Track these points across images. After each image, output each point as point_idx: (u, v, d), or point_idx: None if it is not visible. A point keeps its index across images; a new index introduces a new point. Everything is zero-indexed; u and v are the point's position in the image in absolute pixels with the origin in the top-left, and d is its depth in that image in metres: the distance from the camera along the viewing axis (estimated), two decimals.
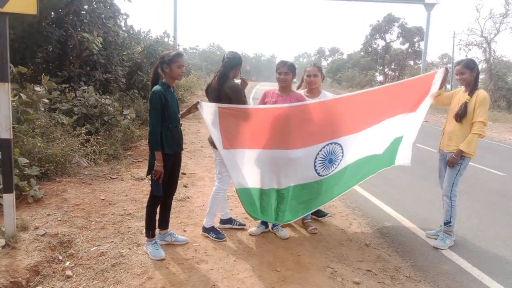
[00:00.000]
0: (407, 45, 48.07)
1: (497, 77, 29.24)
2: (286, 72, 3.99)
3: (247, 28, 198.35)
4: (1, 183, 3.96)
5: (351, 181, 4.55)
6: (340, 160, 4.18)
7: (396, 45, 49.74)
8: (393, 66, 50.81)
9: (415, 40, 46.93)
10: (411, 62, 48.98)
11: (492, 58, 30.61)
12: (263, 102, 4.16)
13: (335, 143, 4.06)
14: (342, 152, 4.14)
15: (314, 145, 3.96)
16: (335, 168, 4.19)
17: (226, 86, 3.85)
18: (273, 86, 4.20)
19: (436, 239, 4.38)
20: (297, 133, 3.91)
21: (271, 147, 3.89)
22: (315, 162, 4.01)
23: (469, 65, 4.15)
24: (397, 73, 48.29)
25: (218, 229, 4.16)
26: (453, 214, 4.24)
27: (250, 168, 3.94)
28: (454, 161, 4.14)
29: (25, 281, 3.24)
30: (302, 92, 4.32)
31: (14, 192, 3.75)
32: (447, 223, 4.28)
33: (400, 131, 4.60)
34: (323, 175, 4.13)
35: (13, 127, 3.90)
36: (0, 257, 3.44)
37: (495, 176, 8.28)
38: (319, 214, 4.81)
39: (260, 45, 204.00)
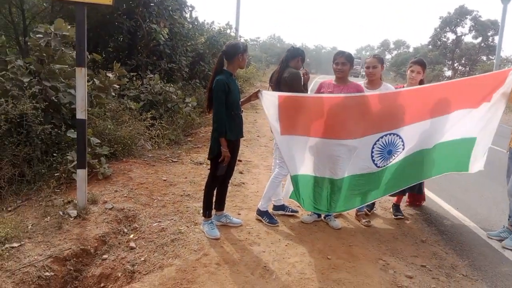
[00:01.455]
0: (480, 39, 44.70)
1: None
2: (343, 62, 3.97)
3: (308, 20, 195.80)
4: (76, 159, 4.35)
5: (414, 177, 4.38)
6: (400, 152, 4.07)
7: (468, 38, 46.43)
8: (463, 61, 47.55)
9: (489, 34, 43.49)
10: (484, 57, 45.45)
11: None
12: (319, 92, 4.16)
13: (394, 134, 3.96)
14: (403, 144, 4.03)
15: (371, 135, 3.90)
16: (394, 159, 4.10)
17: (286, 73, 3.93)
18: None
19: (499, 240, 4.16)
20: (354, 123, 3.87)
21: (328, 136, 3.89)
22: (372, 152, 3.96)
23: None
24: (467, 69, 45.16)
25: (272, 215, 4.25)
26: None
27: (305, 155, 3.99)
28: None
29: (93, 249, 3.58)
30: (362, 83, 4.25)
31: (86, 168, 4.12)
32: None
33: (470, 131, 4.35)
34: (381, 166, 4.05)
35: (87, 110, 4.27)
36: (72, 226, 3.81)
37: None
38: (396, 214, 4.68)
39: (321, 37, 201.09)
